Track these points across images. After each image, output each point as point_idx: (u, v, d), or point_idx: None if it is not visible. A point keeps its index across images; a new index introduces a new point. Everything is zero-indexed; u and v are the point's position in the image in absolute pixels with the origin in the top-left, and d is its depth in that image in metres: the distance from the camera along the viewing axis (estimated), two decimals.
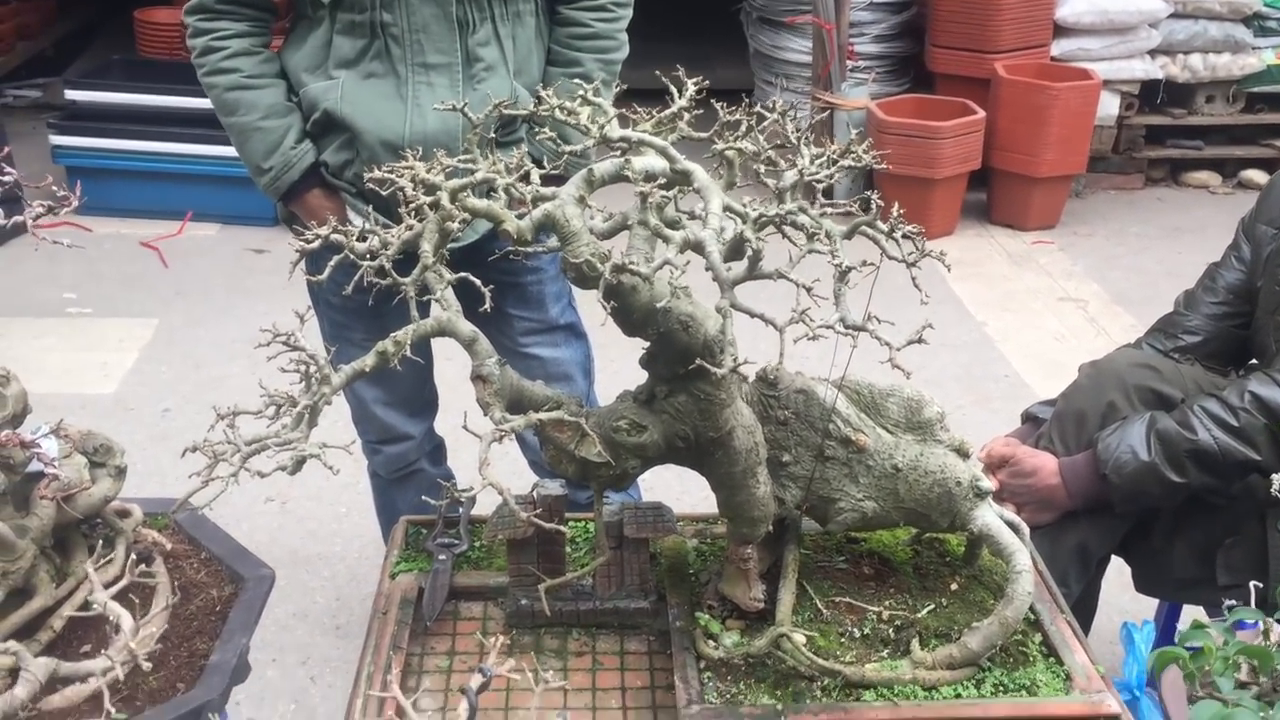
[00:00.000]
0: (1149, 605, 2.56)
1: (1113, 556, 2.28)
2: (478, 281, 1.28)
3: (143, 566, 1.52)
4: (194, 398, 3.75)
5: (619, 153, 1.32)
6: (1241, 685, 1.00)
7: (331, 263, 1.37)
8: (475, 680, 0.99)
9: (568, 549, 1.78)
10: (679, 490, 3.17)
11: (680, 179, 1.27)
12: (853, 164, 1.41)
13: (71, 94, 5.45)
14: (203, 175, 5.24)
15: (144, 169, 5.29)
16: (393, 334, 1.37)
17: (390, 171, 1.34)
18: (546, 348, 2.41)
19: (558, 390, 1.48)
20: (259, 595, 1.64)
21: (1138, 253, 5.37)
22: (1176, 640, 1.12)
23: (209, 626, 1.59)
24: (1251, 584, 1.75)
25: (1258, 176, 6.19)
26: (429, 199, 1.23)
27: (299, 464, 1.27)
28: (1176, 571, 2.17)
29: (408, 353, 1.30)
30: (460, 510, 1.80)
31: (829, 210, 1.33)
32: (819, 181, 1.39)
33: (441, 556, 1.71)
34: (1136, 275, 5.09)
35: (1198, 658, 1.07)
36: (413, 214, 1.30)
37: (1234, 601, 1.78)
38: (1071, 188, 5.87)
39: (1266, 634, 1.37)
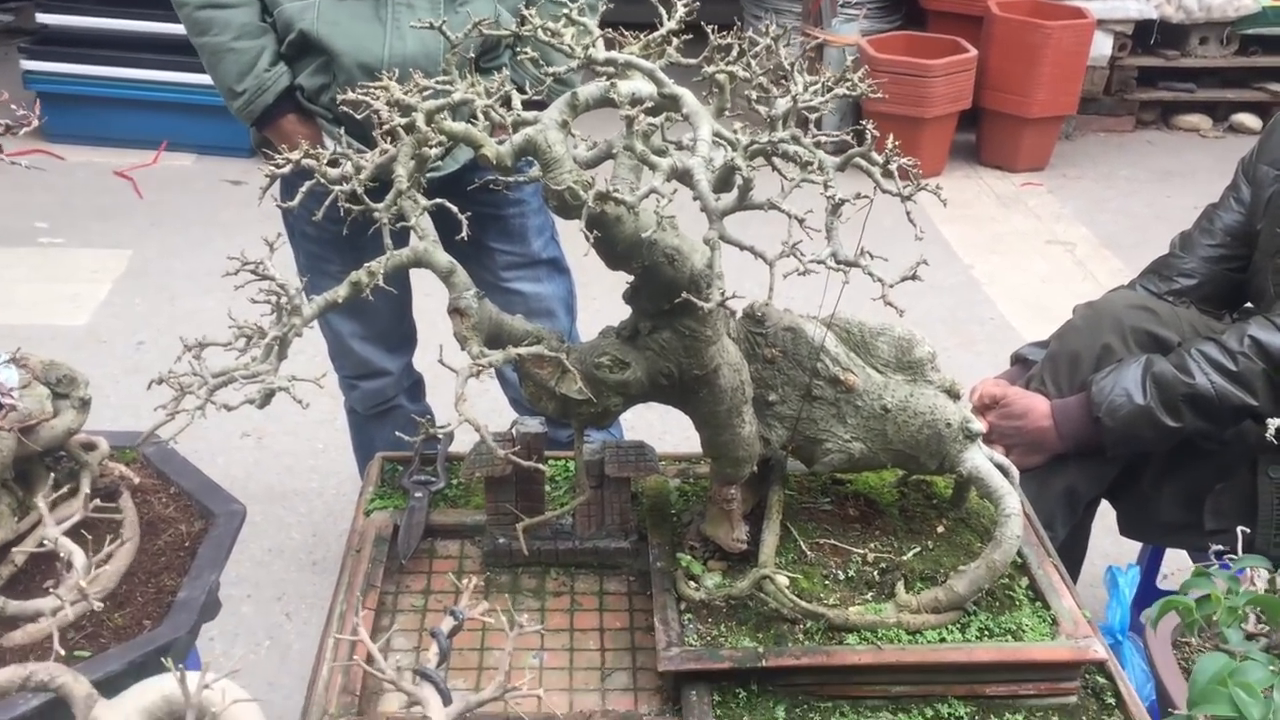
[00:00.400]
0: (1131, 548, 2.55)
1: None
2: (454, 208, 1.23)
3: (98, 501, 1.47)
4: (168, 330, 3.67)
5: (604, 77, 1.26)
6: (1249, 637, 0.97)
7: (303, 188, 1.31)
8: (446, 624, 0.95)
9: (547, 488, 1.74)
10: (661, 429, 3.14)
11: (668, 104, 1.21)
12: (848, 92, 1.35)
13: (43, 17, 5.29)
14: (178, 103, 5.12)
15: (118, 96, 5.16)
16: (366, 264, 1.32)
17: (365, 93, 1.28)
18: (528, 283, 2.35)
19: (539, 325, 1.43)
20: (229, 531, 1.60)
21: (1127, 196, 5.33)
22: (1180, 589, 1.09)
23: (177, 563, 1.55)
24: (1239, 529, 1.73)
25: (1249, 120, 6.14)
26: (403, 121, 1.16)
27: (267, 397, 1.21)
28: (1163, 516, 2.15)
29: (381, 284, 1.24)
30: (438, 447, 1.76)
31: (822, 140, 1.27)
32: (813, 110, 1.33)
33: (418, 494, 1.68)
34: (1125, 219, 5.05)
35: (1203, 605, 1.04)
36: (387, 138, 1.24)
37: (1221, 546, 1.76)
38: (1062, 129, 5.81)
39: (1274, 584, 1.34)
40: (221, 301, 1.28)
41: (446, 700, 0.83)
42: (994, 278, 4.47)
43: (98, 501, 1.47)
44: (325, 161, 1.28)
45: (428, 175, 2.15)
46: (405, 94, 1.20)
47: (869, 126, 1.29)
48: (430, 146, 1.23)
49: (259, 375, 1.21)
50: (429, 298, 2.45)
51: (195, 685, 1.08)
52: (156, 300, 3.94)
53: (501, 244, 2.30)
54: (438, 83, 1.25)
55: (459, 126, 1.17)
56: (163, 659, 1.15)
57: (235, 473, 3.09)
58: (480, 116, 1.20)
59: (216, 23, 2.03)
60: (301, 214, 2.24)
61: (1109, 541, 2.75)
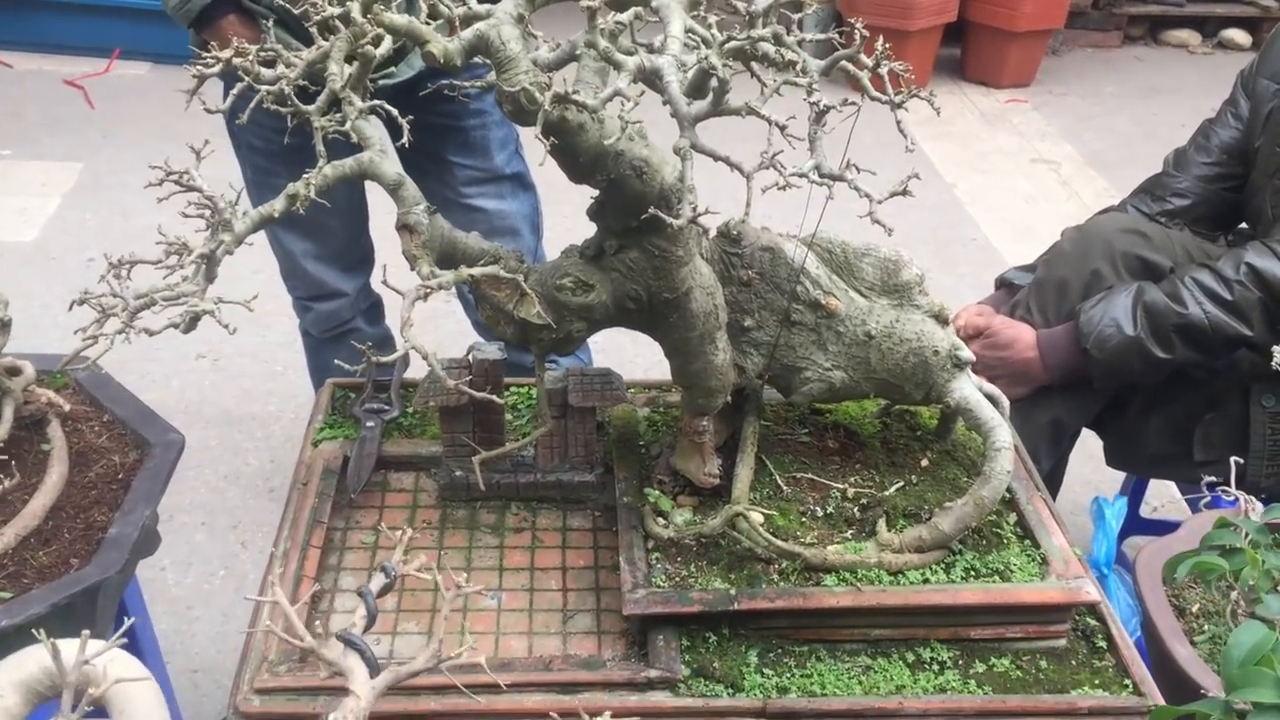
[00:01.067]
0: (1113, 475, 2.48)
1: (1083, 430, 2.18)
2: (394, 111, 1.11)
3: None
4: (120, 247, 3.48)
5: None
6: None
7: (234, 90, 1.19)
8: (376, 581, 0.85)
9: (508, 417, 1.64)
10: (632, 353, 3.04)
11: None
12: None
13: None
14: (132, 9, 4.88)
15: (68, 0, 4.93)
16: (306, 175, 1.20)
17: None
18: (491, 199, 2.22)
19: (497, 244, 1.31)
20: (166, 462, 1.49)
21: (1113, 113, 5.20)
22: (1201, 543, 0.99)
23: (109, 496, 1.44)
24: (1233, 459, 1.65)
25: (1238, 36, 6.00)
26: (337, 10, 1.04)
27: (192, 321, 1.10)
28: (1151, 446, 2.08)
29: (313, 196, 1.12)
30: (392, 373, 1.65)
31: (805, 39, 1.15)
32: (797, 8, 1.21)
33: (369, 423, 1.57)
34: (1111, 136, 4.93)
35: (1232, 557, 0.94)
36: (325, 33, 1.11)
37: (1213, 478, 1.69)
38: (1048, 44, 5.66)
39: None
40: (178, 218, 1.17)
41: (373, 670, 0.73)
42: (977, 197, 4.36)
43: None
44: (257, 61, 1.16)
45: (380, 82, 2.03)
46: None
47: (858, 26, 1.17)
48: (372, 44, 1.11)
49: (182, 297, 1.10)
50: (390, 215, 2.32)
51: (73, 658, 0.96)
52: (108, 215, 3.78)
53: (462, 158, 2.17)
54: None
55: (400, 19, 1.05)
56: (35, 631, 1.02)
57: (190, 396, 2.97)
58: (424, 9, 1.07)
59: None
60: (247, 124, 2.11)
61: (1090, 468, 2.69)
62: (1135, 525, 2.41)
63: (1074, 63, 5.78)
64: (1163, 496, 2.64)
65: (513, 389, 1.69)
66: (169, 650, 2.15)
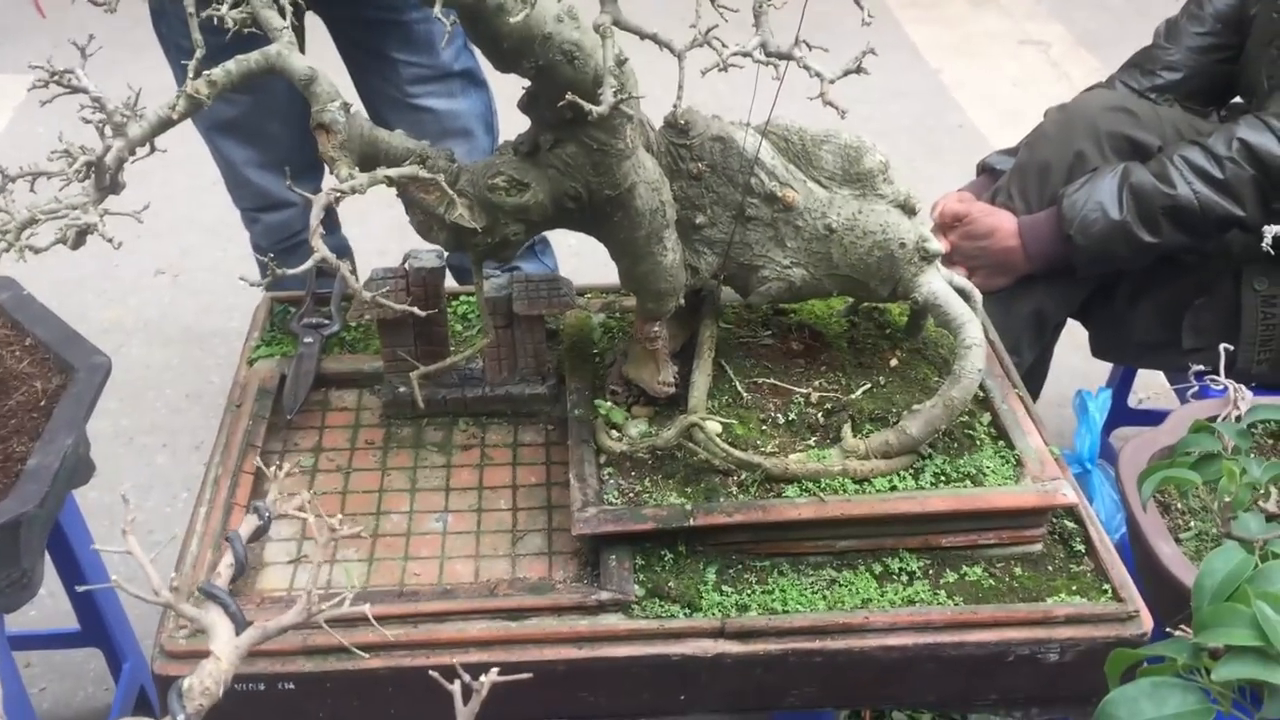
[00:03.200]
0: (1101, 366, 2.41)
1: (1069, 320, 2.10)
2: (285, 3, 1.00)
3: None
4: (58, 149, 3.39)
5: None
6: (1271, 518, 0.79)
7: None
8: (248, 524, 0.77)
9: (458, 328, 1.56)
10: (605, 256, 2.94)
11: None
12: None
13: None
14: None
15: None
16: (206, 72, 1.10)
17: None
18: (441, 98, 2.10)
19: (425, 144, 1.21)
20: (90, 387, 1.41)
21: None
22: (1175, 449, 0.90)
23: (30, 425, 1.37)
24: (1221, 346, 1.57)
25: None
26: None
27: (79, 236, 1.01)
28: (1138, 335, 2.00)
29: (211, 95, 1.01)
30: (332, 285, 1.56)
31: None
32: None
33: (308, 339, 1.49)
34: (1103, 13, 4.75)
35: (1205, 467, 0.85)
36: None
37: (1201, 366, 1.61)
38: None
39: None
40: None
41: (239, 625, 0.66)
42: (963, 82, 4.21)
43: None
44: None
45: None
46: None
47: None
48: None
49: (65, 210, 1.00)
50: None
51: None
52: (62, 127, 3.63)
53: (406, 54, 2.04)
54: None
55: None
56: None
57: (149, 314, 2.88)
58: None
59: None
60: (174, 24, 1.98)
61: (1078, 358, 2.61)
62: (1123, 416, 2.34)
63: None
64: (1152, 386, 2.57)
65: (462, 297, 1.61)
66: (129, 577, 2.09)
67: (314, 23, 2.04)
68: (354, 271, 2.26)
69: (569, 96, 0.93)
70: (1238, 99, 2.07)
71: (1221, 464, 0.83)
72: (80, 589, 1.61)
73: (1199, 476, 0.86)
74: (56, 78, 1.06)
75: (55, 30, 4.33)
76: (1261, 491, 0.80)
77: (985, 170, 2.10)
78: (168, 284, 3.00)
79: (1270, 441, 1.49)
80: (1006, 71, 4.30)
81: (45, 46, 4.41)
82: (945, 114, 3.97)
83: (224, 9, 1.10)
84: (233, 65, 1.10)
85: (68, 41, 1.17)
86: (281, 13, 1.05)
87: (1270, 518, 0.80)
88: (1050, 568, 1.24)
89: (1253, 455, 0.85)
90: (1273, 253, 1.31)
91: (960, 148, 3.72)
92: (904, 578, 1.22)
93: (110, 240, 0.98)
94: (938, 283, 1.28)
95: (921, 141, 3.77)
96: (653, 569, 1.20)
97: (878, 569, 1.22)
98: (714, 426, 1.26)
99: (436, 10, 0.89)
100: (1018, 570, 1.23)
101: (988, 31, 4.63)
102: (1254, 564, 0.75)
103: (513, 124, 2.29)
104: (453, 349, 1.45)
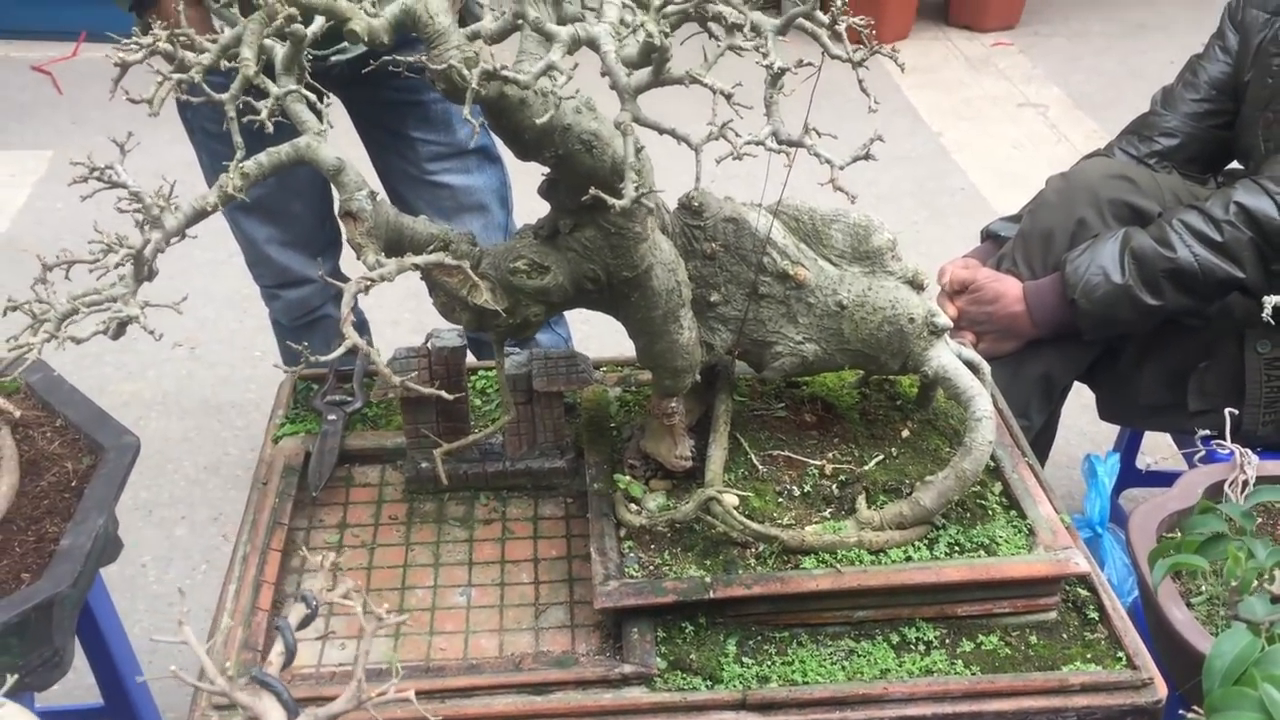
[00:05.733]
0: (1110, 427, 2.43)
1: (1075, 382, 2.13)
2: (323, 90, 1.04)
3: None
4: (94, 238, 3.45)
5: None
6: (1277, 600, 0.81)
7: (158, 81, 1.12)
8: (296, 612, 0.80)
9: (477, 403, 1.59)
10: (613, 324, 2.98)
11: None
12: None
13: None
14: None
15: None
16: (240, 165, 1.14)
17: None
18: (457, 174, 2.15)
19: (445, 227, 1.25)
20: (120, 467, 1.44)
21: (1100, 53, 5.10)
22: (1183, 529, 0.92)
23: (62, 505, 1.39)
24: (1227, 411, 1.60)
25: None
26: None
27: (120, 327, 1.04)
28: (1144, 397, 2.02)
29: (242, 192, 1.05)
30: (354, 362, 1.60)
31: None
32: None
33: (331, 416, 1.52)
34: (1099, 77, 4.84)
35: (1210, 549, 0.88)
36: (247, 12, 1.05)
37: (1207, 431, 1.64)
38: None
39: None
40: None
41: (291, 713, 0.68)
42: (964, 145, 4.28)
43: None
44: (181, 44, 1.09)
45: (333, 58, 1.96)
46: None
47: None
48: (302, 21, 1.04)
49: (107, 302, 1.04)
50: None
51: None
52: (80, 205, 3.70)
53: (424, 133, 2.10)
54: None
55: None
56: None
57: (167, 386, 2.92)
58: None
59: None
60: (200, 108, 2.03)
61: (1087, 419, 2.64)
62: (1132, 477, 2.36)
63: (1059, 2, 5.67)
64: (1161, 446, 2.59)
65: (481, 373, 1.64)
66: (150, 649, 2.11)
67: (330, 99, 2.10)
68: (371, 344, 2.31)
69: (592, 191, 0.97)
70: (1235, 164, 2.11)
71: (1227, 547, 0.85)
72: (140, 679, 1.63)
73: (1205, 561, 0.89)
74: (96, 173, 1.10)
75: (72, 107, 4.45)
76: (1266, 576, 0.83)
77: (989, 237, 2.14)
78: (185, 356, 3.04)
79: (1275, 521, 1.50)
80: (1006, 134, 4.37)
81: (64, 123, 4.53)
82: (947, 177, 4.03)
83: (262, 113, 1.13)
84: (264, 158, 1.13)
85: (102, 132, 1.21)
86: (314, 110, 1.10)
87: (1275, 599, 0.82)
88: (1065, 635, 1.26)
89: (1258, 537, 0.87)
90: (1273, 323, 1.34)
91: (963, 210, 3.78)
92: (921, 647, 1.24)
93: (151, 332, 1.01)
94: (947, 356, 1.31)
95: (925, 204, 3.83)
96: (674, 641, 1.22)
97: (895, 639, 1.24)
98: (731, 499, 1.29)
99: (466, 111, 0.93)
100: (1033, 638, 1.25)
101: (987, 95, 4.71)
102: (1260, 646, 0.77)
103: (526, 196, 2.35)
104: (473, 424, 1.48)
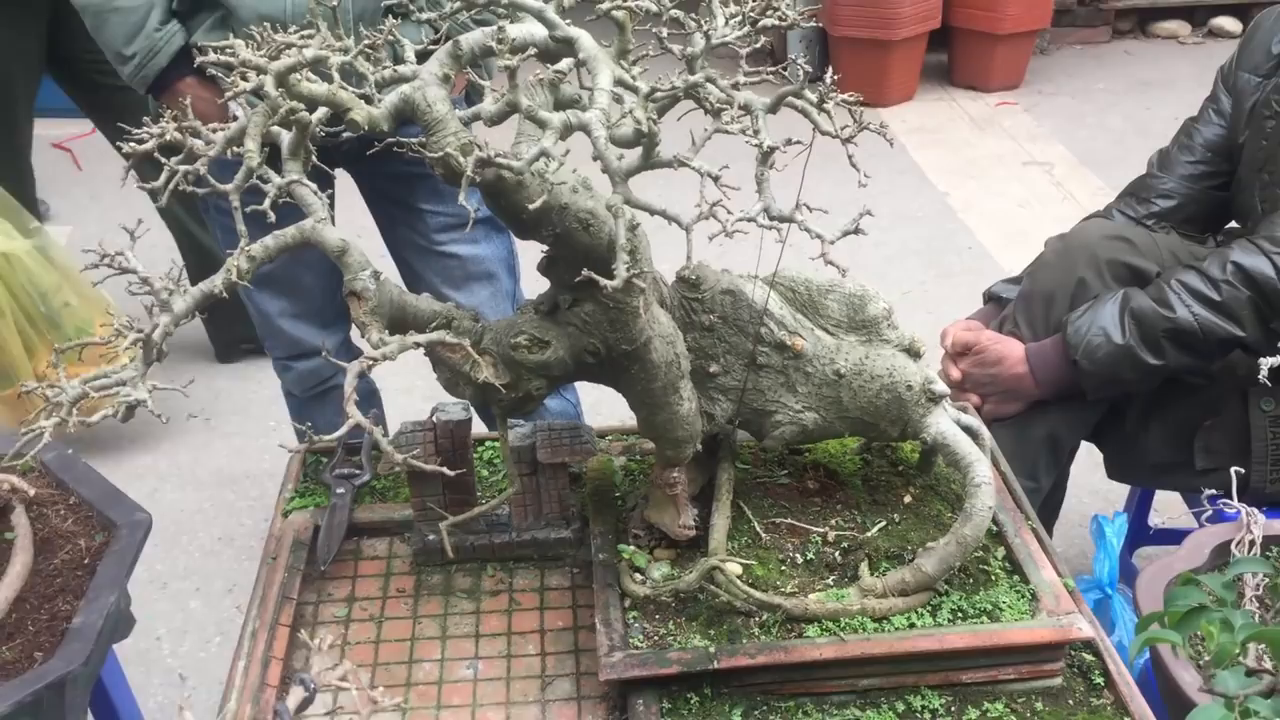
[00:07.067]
0: (1120, 485, 2.42)
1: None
2: (313, 186, 1.07)
3: None
4: (114, 311, 3.51)
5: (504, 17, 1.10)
6: (1251, 673, 0.82)
7: (165, 171, 1.15)
8: (295, 696, 0.81)
9: (484, 473, 1.61)
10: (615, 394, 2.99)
11: (563, 48, 1.06)
12: (777, 22, 1.19)
13: None
14: None
15: None
16: (246, 249, 1.17)
17: (229, 52, 1.12)
18: (465, 244, 2.19)
19: (450, 304, 1.28)
20: (132, 544, 1.46)
21: (1104, 110, 5.15)
22: (1165, 602, 0.93)
23: (75, 583, 1.41)
24: (1233, 469, 1.61)
25: (1228, 24, 5.94)
26: (249, 86, 1.00)
27: (129, 411, 1.07)
28: (1151, 456, 2.03)
29: (247, 278, 1.08)
30: (363, 436, 1.61)
31: (752, 80, 1.12)
32: (741, 45, 1.17)
33: (340, 490, 1.54)
34: (1104, 135, 4.88)
35: (1188, 623, 0.89)
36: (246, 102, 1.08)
37: (1214, 490, 1.64)
38: (1036, 44, 5.62)
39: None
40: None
41: None
42: (970, 204, 4.31)
43: None
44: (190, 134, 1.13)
45: (344, 135, 2.00)
46: (257, 50, 1.04)
47: (799, 60, 1.14)
48: (306, 109, 1.08)
49: (116, 386, 1.07)
50: (374, 262, 2.29)
51: None
52: (97, 278, 3.76)
53: (433, 205, 2.14)
54: (301, 38, 1.09)
55: (320, 89, 1.02)
56: None
57: (182, 458, 2.95)
58: (334, 74, 1.04)
59: None
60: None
61: (1098, 477, 2.63)
62: (1142, 536, 2.35)
63: (1063, 61, 5.74)
64: (1173, 504, 2.58)
65: (487, 444, 1.66)
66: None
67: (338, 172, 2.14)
68: (382, 415, 2.33)
69: (585, 272, 0.99)
70: (1233, 223, 2.13)
71: (1201, 623, 0.86)
72: None
73: (1179, 636, 0.89)
74: (107, 259, 1.13)
75: (91, 182, 4.53)
76: (1239, 651, 0.83)
77: (991, 299, 2.16)
78: (199, 427, 3.07)
79: (1262, 595, 1.50)
80: (1012, 193, 4.41)
81: (83, 198, 4.61)
82: (954, 236, 4.07)
83: (236, 199, 1.14)
84: (271, 240, 1.16)
85: (119, 208, 1.24)
86: (320, 196, 1.13)
87: (1250, 672, 0.83)
88: (1070, 701, 1.25)
89: (1237, 609, 0.87)
90: (1270, 384, 1.35)
91: (970, 269, 3.80)
92: (926, 715, 1.23)
93: (159, 416, 1.04)
94: (945, 423, 1.33)
95: (932, 264, 3.86)
96: (680, 712, 1.23)
97: (900, 707, 1.24)
98: (734, 568, 1.30)
99: (462, 198, 0.96)
100: (1039, 705, 1.25)
101: (992, 154, 4.75)
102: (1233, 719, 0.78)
103: (531, 264, 2.39)
104: (480, 495, 1.50)
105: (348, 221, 1.98)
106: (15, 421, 2.79)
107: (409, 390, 3.17)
